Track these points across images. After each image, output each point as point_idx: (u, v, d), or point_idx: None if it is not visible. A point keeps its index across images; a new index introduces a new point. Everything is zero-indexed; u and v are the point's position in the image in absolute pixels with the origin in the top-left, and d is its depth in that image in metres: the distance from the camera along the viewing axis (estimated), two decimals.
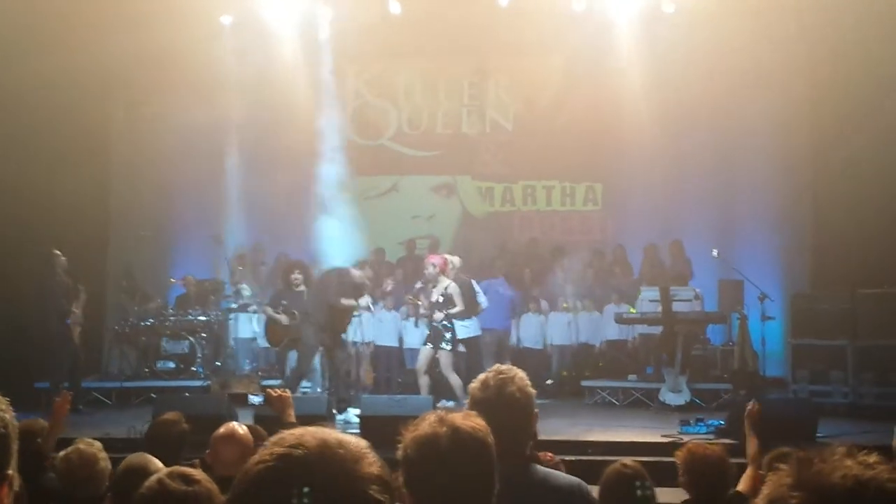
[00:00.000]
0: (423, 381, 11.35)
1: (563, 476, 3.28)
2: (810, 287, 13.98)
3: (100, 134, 14.50)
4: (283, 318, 11.85)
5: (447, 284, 11.19)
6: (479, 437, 2.33)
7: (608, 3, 14.46)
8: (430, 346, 11.35)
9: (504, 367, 3.25)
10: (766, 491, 1.55)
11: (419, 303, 11.82)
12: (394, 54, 16.23)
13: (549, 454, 4.43)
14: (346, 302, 11.40)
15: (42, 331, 12.01)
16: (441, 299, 11.23)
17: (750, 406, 6.06)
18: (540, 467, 3.23)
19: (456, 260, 11.80)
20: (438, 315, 11.28)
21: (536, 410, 3.23)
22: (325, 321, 11.39)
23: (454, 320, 11.42)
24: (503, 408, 3.07)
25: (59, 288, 12.00)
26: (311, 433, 1.47)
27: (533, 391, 3.21)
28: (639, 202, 15.47)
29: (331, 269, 11.96)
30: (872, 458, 1.51)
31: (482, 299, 12.52)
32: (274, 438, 1.48)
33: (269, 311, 12.16)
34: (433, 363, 11.37)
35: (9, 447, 1.64)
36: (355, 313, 11.89)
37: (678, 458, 4.75)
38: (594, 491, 4.54)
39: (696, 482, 4.59)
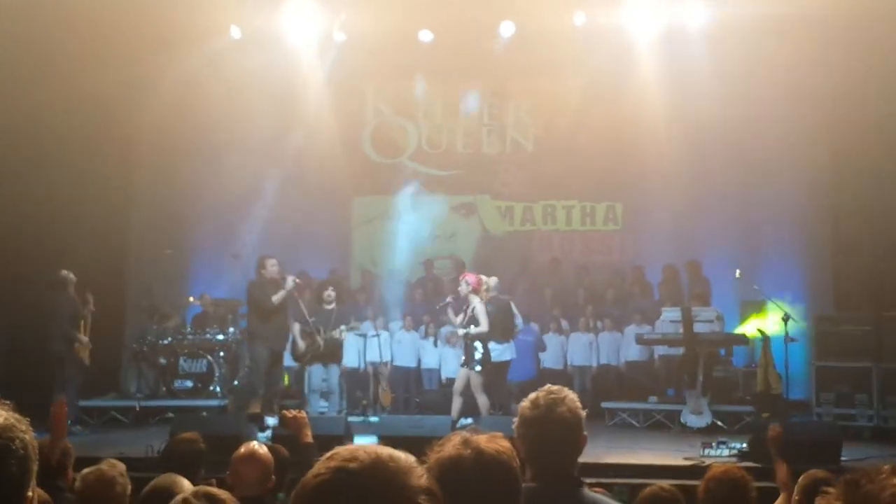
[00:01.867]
0: (457, 402, 11.27)
1: (612, 502, 3.21)
2: (833, 309, 13.85)
3: (121, 154, 14.56)
4: (301, 344, 11.82)
5: (475, 304, 11.12)
6: (503, 459, 2.30)
7: (628, 24, 14.44)
8: (465, 367, 11.29)
9: (555, 387, 3.20)
10: None
11: (448, 303, 11.70)
12: (413, 73, 16.27)
13: (600, 489, 4.36)
14: (276, 297, 11.49)
15: (45, 352, 11.89)
16: (468, 318, 11.17)
17: (770, 430, 5.98)
18: (588, 492, 3.17)
19: (492, 281, 11.69)
20: (461, 331, 11.24)
21: (585, 433, 3.17)
22: (267, 335, 11.53)
23: (489, 342, 11.33)
24: (553, 427, 3.03)
25: (68, 309, 11.89)
26: (364, 448, 1.54)
27: (583, 413, 3.16)
28: (659, 222, 15.40)
29: (253, 282, 11.98)
30: None
31: (519, 321, 12.42)
32: (329, 453, 1.56)
33: (297, 327, 12.09)
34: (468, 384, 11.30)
35: (29, 469, 1.67)
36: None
37: (702, 481, 4.67)
38: None
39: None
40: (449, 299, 11.75)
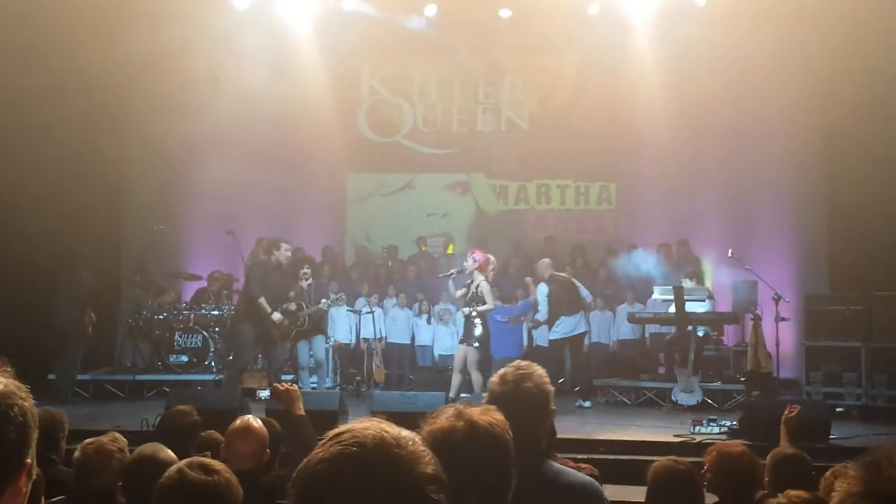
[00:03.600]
0: (456, 378, 11.35)
1: (575, 473, 3.26)
2: (825, 288, 13.92)
3: (116, 130, 14.54)
4: (276, 315, 11.75)
5: (479, 281, 11.18)
6: (495, 431, 2.33)
7: (624, 2, 14.42)
8: (463, 343, 11.38)
9: (524, 363, 3.25)
10: (834, 500, 1.52)
11: (452, 274, 11.75)
12: (408, 51, 16.25)
13: (589, 465, 4.43)
14: (262, 303, 11.40)
15: (50, 325, 12.25)
16: (470, 294, 11.23)
17: (788, 410, 5.99)
18: (554, 464, 3.22)
19: (494, 260, 11.75)
20: (466, 309, 11.30)
21: (554, 407, 3.23)
22: (255, 318, 11.50)
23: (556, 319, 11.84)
24: (520, 402, 3.08)
25: (85, 285, 12.27)
26: (370, 430, 1.48)
27: (551, 388, 3.20)
28: (653, 202, 15.45)
29: (258, 261, 11.92)
30: None
31: (585, 293, 12.70)
32: (333, 432, 1.51)
33: (263, 302, 11.89)
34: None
35: (28, 436, 1.64)
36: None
37: (706, 458, 4.70)
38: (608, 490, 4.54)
39: (725, 483, 4.50)
40: (453, 271, 11.77)
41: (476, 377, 11.11)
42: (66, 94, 12.66)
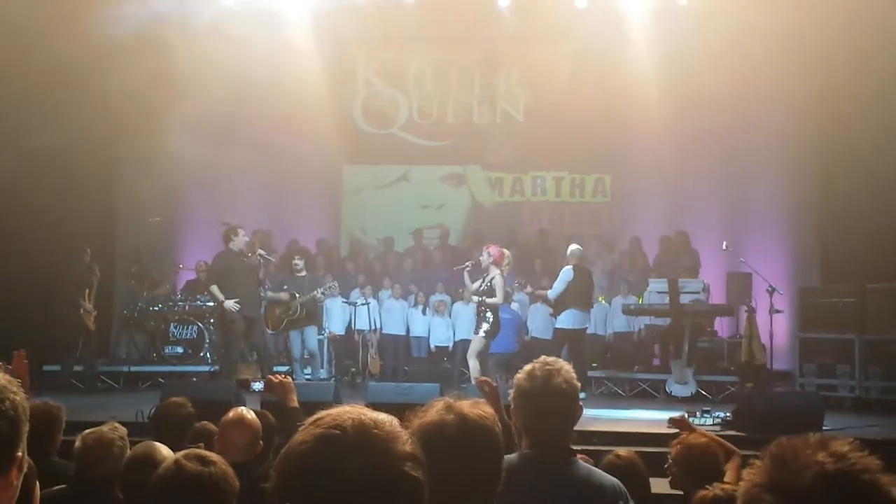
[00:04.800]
0: (473, 363, 11.38)
1: (604, 475, 3.26)
2: (819, 281, 13.95)
3: (108, 120, 14.49)
4: (284, 295, 11.83)
5: (495, 275, 11.21)
6: (485, 425, 2.34)
7: None
8: (476, 333, 11.44)
9: (550, 358, 3.25)
10: (741, 488, 1.53)
11: (466, 267, 11.78)
12: (403, 43, 16.23)
13: (583, 455, 4.46)
14: (214, 291, 11.36)
15: (54, 316, 12.51)
16: (485, 287, 11.27)
17: (670, 423, 6.11)
18: (583, 463, 3.23)
19: (509, 255, 11.76)
20: (475, 298, 11.35)
21: (581, 403, 3.24)
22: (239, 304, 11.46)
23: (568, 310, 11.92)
24: (550, 398, 3.09)
25: (75, 278, 12.47)
26: (348, 413, 1.54)
27: (578, 383, 3.21)
28: (648, 194, 15.47)
29: (220, 252, 11.82)
30: (846, 447, 1.49)
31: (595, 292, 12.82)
32: (312, 418, 1.55)
33: (271, 294, 12.21)
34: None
35: (19, 429, 1.65)
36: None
37: (671, 451, 4.75)
38: None
39: (688, 476, 4.56)
40: (468, 264, 11.82)
41: (473, 365, 11.13)
42: (58, 84, 12.61)
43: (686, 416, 6.46)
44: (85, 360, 12.55)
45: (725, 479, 4.81)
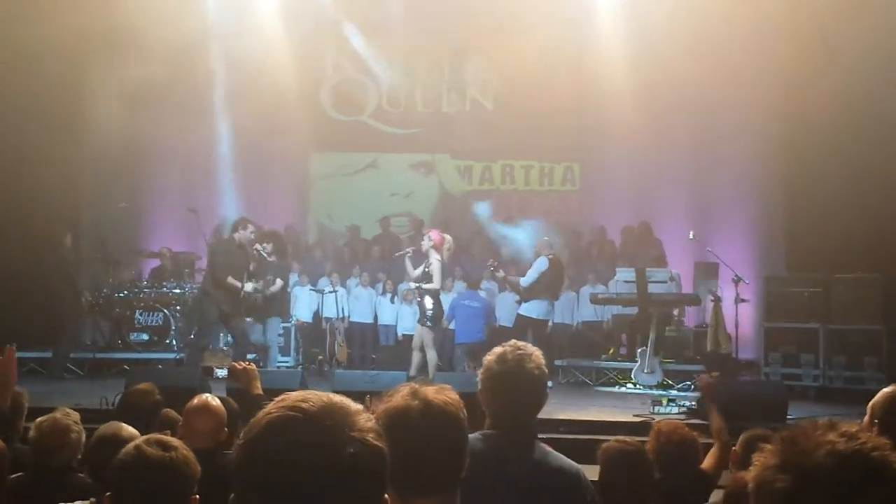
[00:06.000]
0: (416, 357, 11.37)
1: (561, 457, 3.30)
2: (784, 270, 14.06)
3: (74, 102, 14.33)
4: (249, 286, 11.55)
5: (433, 261, 11.18)
6: (450, 410, 2.33)
7: None
8: (420, 323, 11.41)
9: (520, 343, 3.28)
10: (752, 473, 1.56)
11: (407, 253, 11.73)
12: (374, 30, 16.15)
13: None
14: (231, 282, 11.26)
15: (51, 302, 12.61)
16: (423, 273, 11.24)
17: (699, 380, 6.07)
18: (542, 445, 3.26)
19: (450, 239, 11.72)
20: (413, 285, 11.34)
21: (547, 390, 3.27)
22: (218, 297, 11.39)
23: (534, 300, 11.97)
24: (521, 382, 3.11)
25: (69, 265, 12.70)
26: (314, 394, 1.56)
27: (547, 371, 3.25)
28: (616, 183, 15.53)
29: (220, 241, 11.78)
30: (854, 428, 1.55)
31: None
32: (279, 397, 1.57)
33: (231, 280, 11.88)
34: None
35: None
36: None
37: (649, 437, 4.78)
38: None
39: (664, 460, 4.61)
40: (409, 250, 11.77)
41: (432, 356, 11.13)
42: (22, 65, 12.46)
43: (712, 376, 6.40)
44: (63, 348, 12.49)
45: (703, 465, 4.87)
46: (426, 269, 11.17)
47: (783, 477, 1.50)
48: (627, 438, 4.42)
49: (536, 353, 3.23)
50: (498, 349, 3.24)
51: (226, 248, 11.60)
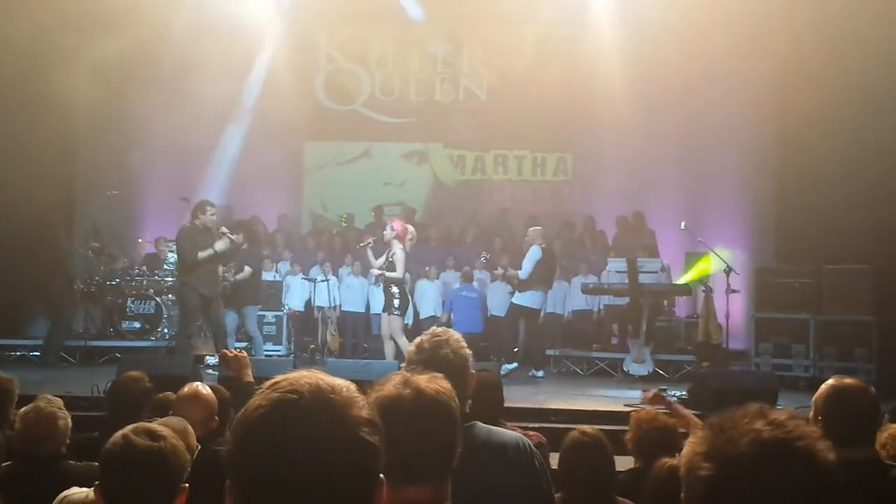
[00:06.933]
0: (388, 346, 11.38)
1: (504, 432, 3.29)
2: (775, 261, 14.10)
3: (66, 93, 14.26)
4: (219, 244, 11.31)
5: (395, 250, 11.18)
6: (442, 399, 2.33)
7: None
8: (385, 312, 11.41)
9: (439, 329, 3.25)
10: (683, 457, 1.56)
11: (369, 243, 11.72)
12: (367, 20, 16.13)
13: (536, 433, 4.45)
14: (202, 255, 11.08)
15: (52, 291, 12.69)
16: (387, 263, 11.25)
17: (646, 395, 6.14)
18: (483, 426, 3.23)
19: (412, 230, 11.69)
20: (375, 272, 11.37)
21: (473, 371, 3.23)
22: (195, 282, 11.26)
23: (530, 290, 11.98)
24: (438, 369, 3.09)
25: (64, 255, 12.76)
26: (305, 378, 1.52)
27: (468, 352, 3.19)
28: (609, 174, 15.54)
29: (183, 228, 11.67)
30: (784, 416, 1.51)
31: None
32: (269, 382, 1.53)
33: (202, 253, 11.65)
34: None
35: None
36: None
37: (629, 426, 4.82)
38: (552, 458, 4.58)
39: (642, 448, 4.66)
40: (371, 241, 11.76)
41: (403, 343, 11.12)
42: (14, 58, 12.39)
43: (659, 391, 6.49)
44: (58, 335, 12.51)
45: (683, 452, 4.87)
46: (389, 259, 11.19)
47: (707, 465, 1.49)
48: (588, 429, 4.43)
49: (454, 337, 3.18)
50: (418, 339, 3.22)
51: (188, 234, 11.35)
